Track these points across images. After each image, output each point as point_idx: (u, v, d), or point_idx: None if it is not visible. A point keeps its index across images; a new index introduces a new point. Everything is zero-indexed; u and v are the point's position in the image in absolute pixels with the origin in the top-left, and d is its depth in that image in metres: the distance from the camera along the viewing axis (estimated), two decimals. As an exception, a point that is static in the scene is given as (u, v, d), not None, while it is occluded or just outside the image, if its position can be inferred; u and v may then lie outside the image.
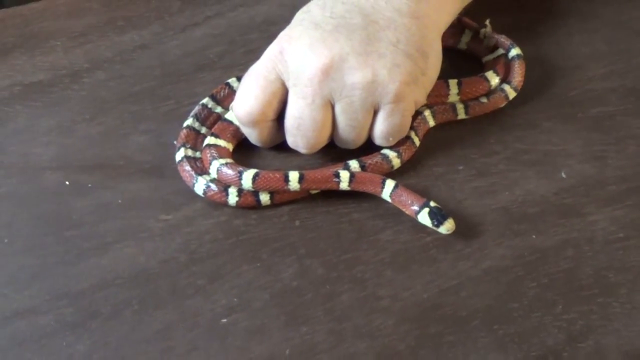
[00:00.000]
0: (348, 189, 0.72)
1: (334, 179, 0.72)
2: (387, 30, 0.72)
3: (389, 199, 0.72)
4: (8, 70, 0.82)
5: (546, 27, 0.87)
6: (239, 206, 0.72)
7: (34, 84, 0.81)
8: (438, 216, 0.70)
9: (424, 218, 0.70)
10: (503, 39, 0.82)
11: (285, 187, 0.71)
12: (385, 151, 0.75)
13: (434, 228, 0.70)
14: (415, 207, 0.71)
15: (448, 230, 0.69)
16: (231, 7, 0.88)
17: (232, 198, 0.72)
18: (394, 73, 0.71)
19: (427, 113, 0.77)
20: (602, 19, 0.88)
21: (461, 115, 0.79)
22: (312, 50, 0.70)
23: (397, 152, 0.75)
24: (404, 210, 0.71)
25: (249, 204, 0.72)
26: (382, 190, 0.72)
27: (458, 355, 0.64)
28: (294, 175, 0.72)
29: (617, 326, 0.66)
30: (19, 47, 0.84)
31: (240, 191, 0.72)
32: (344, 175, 0.72)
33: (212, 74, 0.82)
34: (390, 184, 0.72)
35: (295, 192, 0.72)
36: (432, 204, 0.70)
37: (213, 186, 0.72)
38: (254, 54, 0.74)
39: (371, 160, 0.74)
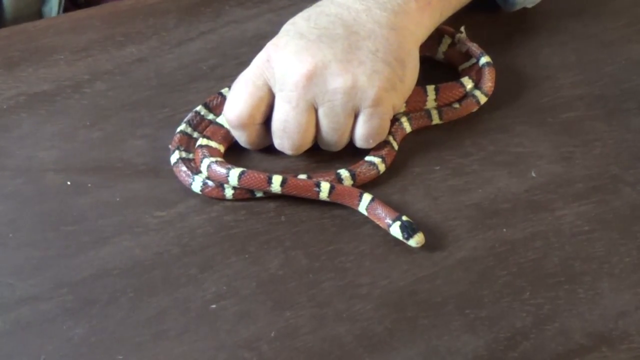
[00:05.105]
0: (327, 199, 0.75)
1: (315, 189, 0.75)
2: (367, 40, 0.76)
3: (365, 212, 0.75)
4: (14, 81, 0.86)
5: (519, 41, 0.91)
6: (235, 198, 0.76)
7: (39, 94, 0.85)
8: (409, 229, 0.72)
9: (395, 231, 0.73)
10: (474, 48, 0.86)
11: (267, 188, 0.75)
12: (370, 158, 0.78)
13: (404, 240, 0.73)
14: (388, 220, 0.73)
15: (417, 244, 0.72)
16: (223, 24, 0.92)
17: (229, 191, 0.76)
18: (373, 79, 0.75)
19: (403, 119, 0.81)
20: (571, 33, 0.93)
21: (435, 120, 0.83)
22: (296, 57, 0.74)
23: (381, 157, 0.78)
24: (377, 223, 0.74)
25: (244, 195, 0.76)
26: (359, 203, 0.75)
27: (432, 337, 0.68)
28: (276, 178, 0.75)
29: (581, 310, 0.70)
30: (25, 60, 0.88)
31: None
32: (325, 186, 0.75)
33: (206, 84, 0.86)
34: (366, 197, 0.75)
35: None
36: (404, 218, 0.73)
37: (210, 182, 0.76)
38: (245, 66, 0.78)
39: (359, 168, 0.78)
